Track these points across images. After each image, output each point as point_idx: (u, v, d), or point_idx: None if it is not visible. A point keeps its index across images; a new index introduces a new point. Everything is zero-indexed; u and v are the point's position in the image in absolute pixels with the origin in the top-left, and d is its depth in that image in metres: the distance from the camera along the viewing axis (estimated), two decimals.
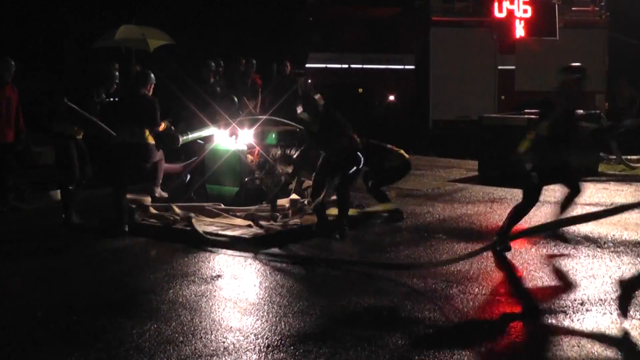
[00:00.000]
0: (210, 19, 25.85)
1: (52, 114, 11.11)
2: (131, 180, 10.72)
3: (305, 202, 10.82)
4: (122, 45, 16.13)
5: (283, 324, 6.70)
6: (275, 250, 9.33)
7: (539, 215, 11.55)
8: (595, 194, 13.50)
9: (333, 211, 10.42)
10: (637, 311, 7.05)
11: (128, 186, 10.57)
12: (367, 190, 11.31)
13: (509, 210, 11.76)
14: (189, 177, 12.24)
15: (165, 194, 11.06)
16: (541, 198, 12.19)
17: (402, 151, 11.31)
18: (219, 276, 8.30)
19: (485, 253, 9.19)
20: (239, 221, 10.21)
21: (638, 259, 8.94)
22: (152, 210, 10.65)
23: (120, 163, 10.55)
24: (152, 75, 10.83)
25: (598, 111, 17.66)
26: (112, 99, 13.81)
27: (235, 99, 13.90)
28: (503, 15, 20.19)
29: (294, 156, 11.28)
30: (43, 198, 12.72)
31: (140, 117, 10.46)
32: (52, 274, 8.50)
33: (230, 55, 17.91)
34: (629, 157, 17.52)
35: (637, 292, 7.67)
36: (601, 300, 7.38)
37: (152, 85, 10.80)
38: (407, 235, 10.26)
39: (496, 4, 20.13)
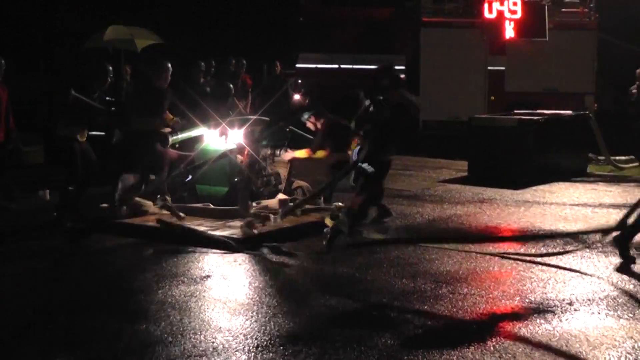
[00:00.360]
0: (202, 20, 25.84)
1: (55, 114, 11.23)
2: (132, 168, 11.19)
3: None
4: (110, 47, 16.11)
5: (272, 324, 6.71)
6: (265, 250, 9.33)
7: (528, 215, 11.61)
8: (584, 194, 13.55)
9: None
10: (625, 311, 7.08)
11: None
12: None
13: (498, 210, 11.87)
14: (189, 177, 12.27)
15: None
16: (530, 198, 12.30)
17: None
18: (208, 276, 8.30)
19: (474, 253, 9.22)
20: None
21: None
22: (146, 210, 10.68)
23: (132, 150, 11.36)
24: (168, 64, 11.47)
25: (587, 112, 17.72)
26: (107, 98, 13.90)
27: (231, 86, 13.92)
28: (493, 16, 20.19)
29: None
30: (32, 198, 12.68)
31: (148, 107, 11.11)
32: (42, 275, 8.49)
33: (221, 56, 17.92)
34: (617, 157, 17.58)
35: (624, 292, 7.69)
36: (589, 300, 7.42)
37: (168, 75, 11.48)
38: (396, 236, 10.26)
39: (486, 5, 20.14)
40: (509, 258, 9.03)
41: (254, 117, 12.30)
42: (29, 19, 22.32)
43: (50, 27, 23.06)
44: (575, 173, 15.68)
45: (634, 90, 18.12)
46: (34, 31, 22.43)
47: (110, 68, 12.00)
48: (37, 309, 7.21)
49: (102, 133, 14.75)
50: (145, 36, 16.24)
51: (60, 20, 23.37)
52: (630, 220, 9.02)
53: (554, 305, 7.24)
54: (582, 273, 8.39)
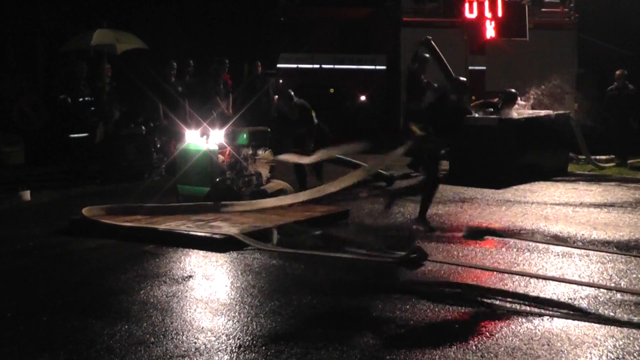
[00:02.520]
0: (183, 19, 25.73)
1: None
2: None
3: None
4: (91, 49, 16.11)
5: (255, 324, 6.70)
6: (246, 250, 9.30)
7: (510, 215, 11.65)
8: (564, 194, 13.60)
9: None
10: (606, 310, 7.11)
11: None
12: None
13: (479, 210, 11.88)
14: None
15: None
16: (511, 198, 12.34)
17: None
18: (190, 277, 8.28)
19: (455, 252, 9.25)
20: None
21: (606, 258, 9.02)
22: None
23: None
24: None
25: (568, 112, 17.80)
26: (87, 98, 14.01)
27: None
28: (473, 16, 20.26)
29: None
30: (12, 198, 12.61)
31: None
32: (22, 275, 8.44)
33: (202, 56, 17.89)
34: (597, 157, 17.67)
35: (605, 291, 7.73)
36: (571, 299, 7.45)
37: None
38: (378, 236, 10.25)
39: (467, 5, 20.20)
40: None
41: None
42: (3, 18, 22.08)
43: (27, 27, 22.85)
44: (556, 172, 15.75)
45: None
46: (8, 30, 22.21)
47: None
48: (17, 309, 7.16)
49: (85, 134, 14.79)
50: (129, 40, 16.21)
51: (38, 20, 23.17)
52: None
53: (536, 305, 7.27)
54: (563, 272, 8.43)
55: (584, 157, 17.60)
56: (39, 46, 22.12)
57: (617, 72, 18.29)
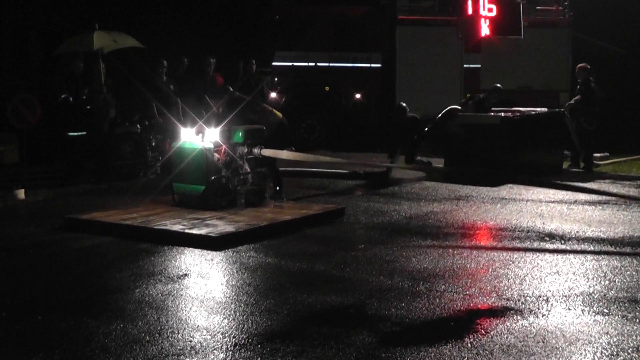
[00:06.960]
0: (178, 17, 25.70)
1: None
2: None
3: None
4: (81, 52, 16.15)
5: (250, 322, 6.70)
6: (242, 248, 9.31)
7: (505, 212, 11.66)
8: (559, 191, 13.63)
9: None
10: (601, 307, 7.12)
11: None
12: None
13: (474, 207, 11.89)
14: None
15: None
16: (506, 195, 12.34)
17: (275, 110, 12.00)
18: (185, 275, 8.27)
19: (451, 250, 9.25)
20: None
21: (601, 255, 9.04)
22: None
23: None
24: None
25: (563, 110, 17.82)
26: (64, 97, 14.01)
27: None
28: (469, 14, 20.28)
29: None
30: (7, 197, 12.59)
31: None
32: (17, 274, 8.43)
33: (196, 54, 17.91)
34: (593, 155, 17.67)
35: (600, 288, 7.75)
36: (565, 296, 7.46)
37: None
38: (373, 234, 10.28)
39: (462, 3, 20.22)
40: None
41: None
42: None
43: (21, 25, 22.79)
44: (551, 170, 15.78)
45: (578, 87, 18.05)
46: (2, 28, 22.13)
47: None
48: (12, 308, 7.15)
49: (83, 133, 14.79)
50: (125, 40, 16.22)
51: (33, 18, 23.11)
52: None
53: (531, 302, 7.28)
54: (558, 269, 8.44)
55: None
56: (33, 45, 22.08)
57: (579, 66, 17.66)
